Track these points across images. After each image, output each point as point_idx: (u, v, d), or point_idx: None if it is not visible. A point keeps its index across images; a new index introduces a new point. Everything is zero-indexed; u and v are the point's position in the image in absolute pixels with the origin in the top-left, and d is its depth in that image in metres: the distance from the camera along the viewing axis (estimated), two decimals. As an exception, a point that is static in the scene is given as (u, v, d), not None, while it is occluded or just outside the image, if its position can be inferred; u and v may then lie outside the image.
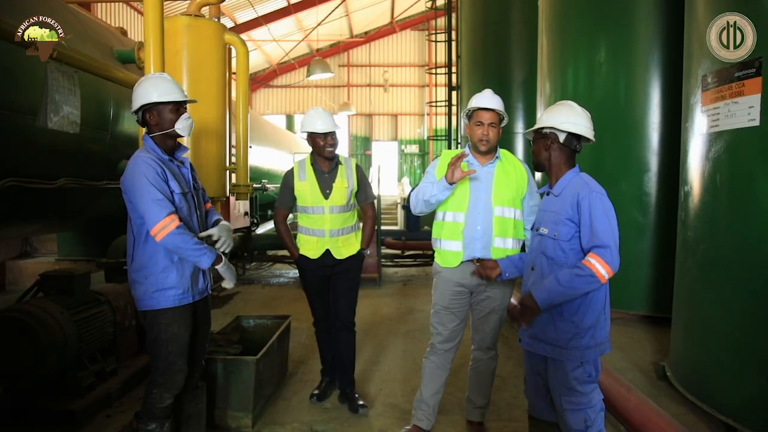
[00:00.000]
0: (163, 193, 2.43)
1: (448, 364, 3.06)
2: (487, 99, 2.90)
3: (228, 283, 2.69)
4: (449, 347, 3.03)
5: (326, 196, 3.45)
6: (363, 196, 3.63)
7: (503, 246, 2.91)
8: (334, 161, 3.50)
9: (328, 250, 3.47)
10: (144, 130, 2.65)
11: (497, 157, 2.98)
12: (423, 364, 3.10)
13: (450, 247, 2.95)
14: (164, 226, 2.38)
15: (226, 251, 2.70)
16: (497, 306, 2.98)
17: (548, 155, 2.43)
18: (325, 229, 3.46)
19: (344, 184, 3.48)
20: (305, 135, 3.49)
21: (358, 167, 3.61)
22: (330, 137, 3.42)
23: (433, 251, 3.08)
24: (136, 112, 2.59)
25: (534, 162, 2.53)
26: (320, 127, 3.38)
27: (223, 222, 2.80)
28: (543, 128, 2.43)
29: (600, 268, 2.17)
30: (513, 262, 2.74)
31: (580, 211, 2.28)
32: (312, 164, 3.50)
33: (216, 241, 2.67)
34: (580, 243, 2.30)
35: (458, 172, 2.75)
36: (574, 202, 2.31)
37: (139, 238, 2.50)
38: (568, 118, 2.39)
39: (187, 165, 2.71)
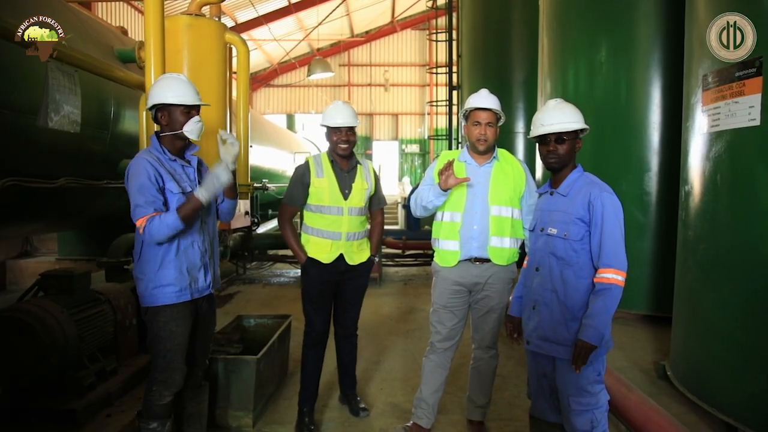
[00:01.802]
0: (150, 196, 2.45)
1: (448, 363, 3.07)
2: (484, 99, 2.91)
3: (223, 175, 2.51)
4: (448, 346, 3.04)
5: (345, 196, 3.24)
6: (377, 201, 3.47)
7: (500, 245, 2.92)
8: (353, 160, 3.33)
9: (341, 255, 3.26)
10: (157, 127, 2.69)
11: (495, 157, 2.99)
12: (423, 363, 3.11)
13: (448, 247, 2.96)
14: (141, 225, 2.43)
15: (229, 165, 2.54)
16: (495, 305, 2.99)
17: (572, 155, 2.43)
18: (341, 232, 3.24)
19: (364, 185, 3.32)
20: (324, 130, 3.31)
21: (374, 170, 3.49)
22: (344, 132, 3.22)
23: (434, 251, 3.09)
24: (150, 109, 2.63)
25: (562, 161, 2.42)
26: (329, 122, 3.23)
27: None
28: (582, 129, 2.42)
29: (618, 277, 2.25)
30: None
31: (593, 211, 2.30)
32: (331, 161, 3.29)
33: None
34: (590, 242, 2.32)
35: (452, 179, 2.77)
36: (586, 201, 2.32)
37: None
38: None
39: (194, 164, 2.72)
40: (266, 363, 3.46)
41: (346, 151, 3.25)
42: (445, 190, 2.81)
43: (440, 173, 2.81)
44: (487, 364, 3.09)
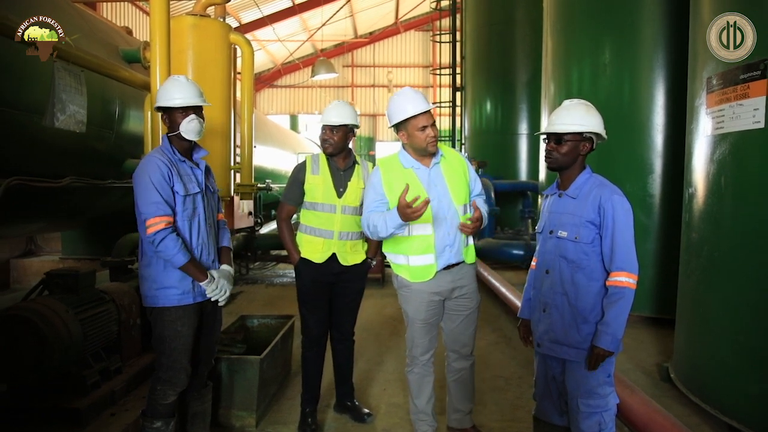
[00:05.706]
0: (164, 197, 2.49)
1: (432, 369, 2.97)
2: (420, 101, 2.73)
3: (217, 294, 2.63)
4: (430, 356, 2.94)
5: (339, 194, 3.21)
6: None
7: (467, 244, 2.88)
8: (350, 160, 3.30)
9: (334, 255, 3.21)
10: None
11: (440, 154, 2.86)
12: (408, 378, 3.01)
13: (421, 262, 2.79)
14: (154, 224, 2.45)
15: (220, 301, 2.67)
16: (473, 306, 2.93)
17: (577, 157, 2.39)
18: (334, 231, 3.19)
19: (360, 184, 3.24)
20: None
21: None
22: (325, 131, 3.19)
23: (394, 265, 2.93)
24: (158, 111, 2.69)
25: (558, 162, 2.40)
26: (322, 120, 3.23)
27: (225, 267, 2.77)
28: (590, 132, 2.36)
29: (631, 280, 2.29)
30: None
31: (604, 214, 2.30)
32: (327, 159, 3.27)
33: (214, 282, 2.62)
34: (601, 245, 2.33)
35: (418, 212, 2.51)
36: (596, 204, 2.31)
37: None
38: (603, 124, 2.39)
39: (202, 167, 2.76)
40: (269, 363, 3.46)
41: (327, 150, 3.22)
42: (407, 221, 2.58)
43: (402, 210, 2.52)
44: (470, 372, 3.02)
